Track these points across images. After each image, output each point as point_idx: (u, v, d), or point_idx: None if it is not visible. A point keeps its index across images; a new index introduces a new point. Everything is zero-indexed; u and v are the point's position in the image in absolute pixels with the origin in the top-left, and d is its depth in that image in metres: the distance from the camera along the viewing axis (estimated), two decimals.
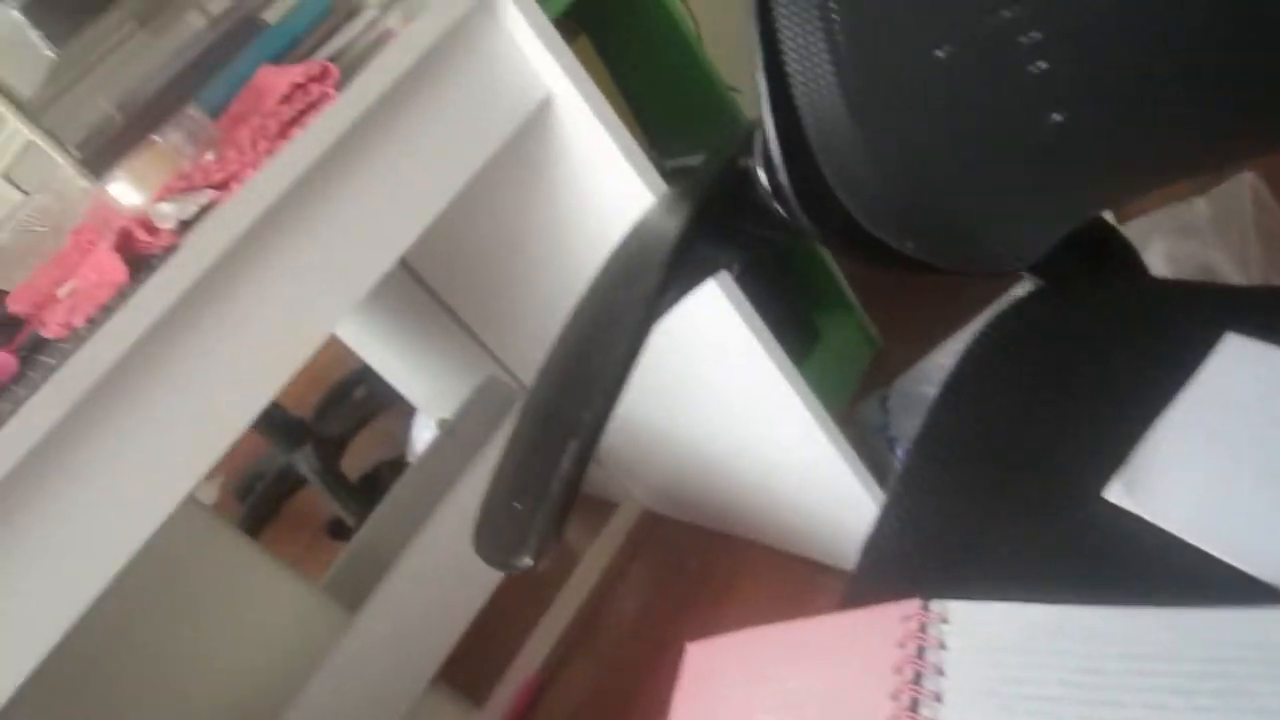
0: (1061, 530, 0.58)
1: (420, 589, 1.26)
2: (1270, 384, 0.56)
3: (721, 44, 1.40)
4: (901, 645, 0.50)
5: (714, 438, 1.30)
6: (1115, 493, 0.56)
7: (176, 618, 1.20)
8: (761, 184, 0.66)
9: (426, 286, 1.50)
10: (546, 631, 1.50)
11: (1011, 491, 0.62)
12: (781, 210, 0.66)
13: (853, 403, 1.50)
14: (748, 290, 1.03)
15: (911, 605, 0.52)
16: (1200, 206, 1.27)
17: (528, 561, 0.48)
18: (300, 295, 0.73)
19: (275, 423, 2.26)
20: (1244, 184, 1.27)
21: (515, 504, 0.51)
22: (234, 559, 1.29)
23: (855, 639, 0.53)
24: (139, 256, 0.68)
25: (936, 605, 0.51)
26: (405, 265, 1.47)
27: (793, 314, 1.52)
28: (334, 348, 2.15)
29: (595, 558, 1.56)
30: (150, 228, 0.69)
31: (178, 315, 0.67)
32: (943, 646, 0.49)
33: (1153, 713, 0.42)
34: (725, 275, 1.02)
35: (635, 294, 0.57)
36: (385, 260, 0.77)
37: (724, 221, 0.66)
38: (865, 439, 1.31)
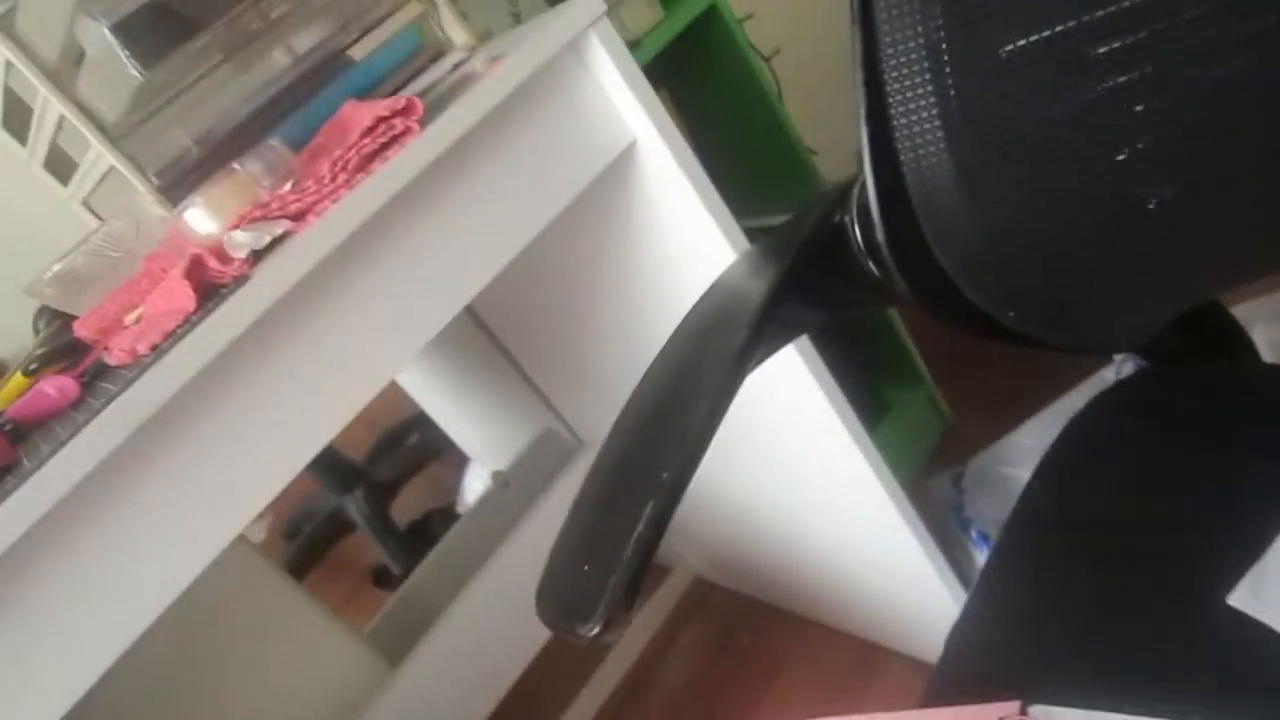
0: (1175, 635, 0.52)
1: (465, 645, 1.22)
2: None
3: (802, 105, 1.38)
4: None
5: (776, 507, 1.25)
6: (1241, 598, 0.51)
7: (214, 658, 1.17)
8: (856, 241, 0.63)
9: (489, 332, 1.49)
10: (591, 697, 1.45)
11: (1117, 588, 0.57)
12: (876, 270, 0.63)
13: (921, 479, 1.44)
14: (821, 353, 0.99)
15: (1010, 708, 0.47)
16: None
17: (595, 631, 0.44)
18: (368, 334, 0.71)
19: (327, 465, 2.26)
20: None
21: (585, 566, 0.47)
22: (277, 601, 1.26)
23: None
24: (210, 285, 0.66)
25: (1038, 710, 0.47)
26: (470, 309, 1.45)
27: (862, 382, 1.47)
28: (390, 392, 2.14)
29: (645, 623, 1.51)
30: (223, 256, 0.67)
31: (243, 347, 0.65)
32: None
33: None
34: (805, 341, 0.98)
35: (720, 351, 0.53)
36: (456, 303, 0.74)
37: (814, 279, 0.62)
38: (936, 518, 1.25)
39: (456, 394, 1.91)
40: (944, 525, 1.24)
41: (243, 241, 0.66)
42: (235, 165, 0.70)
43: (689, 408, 0.51)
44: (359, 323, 0.70)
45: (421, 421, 2.21)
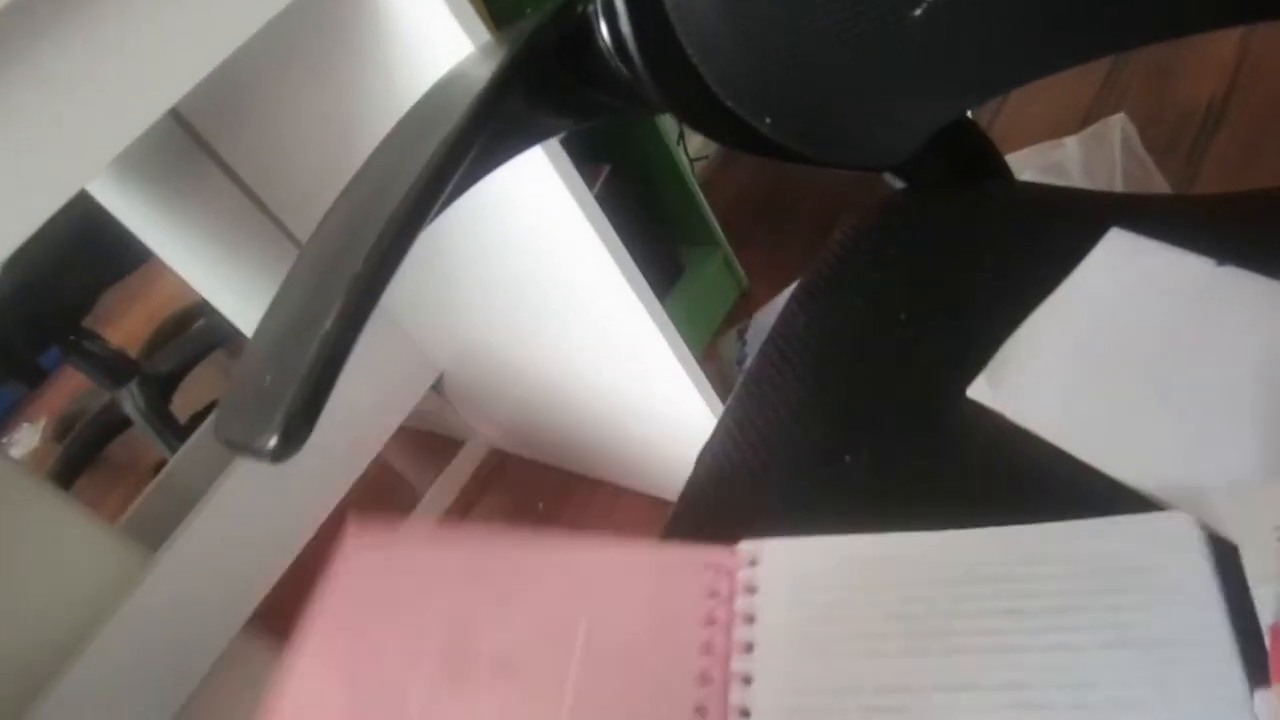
0: (920, 439, 0.51)
1: (230, 527, 1.13)
2: (1154, 280, 0.51)
3: None
4: (710, 595, 0.44)
5: (566, 371, 1.21)
6: (978, 390, 0.50)
7: None
8: (602, 36, 0.57)
9: (257, 200, 1.36)
10: None
11: (864, 398, 0.56)
12: (624, 69, 0.57)
13: (713, 342, 1.44)
14: (610, 213, 0.94)
15: (718, 551, 0.45)
16: (1070, 147, 1.25)
17: (272, 443, 0.38)
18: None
19: (96, 358, 2.07)
20: (1114, 126, 1.25)
21: (267, 376, 0.41)
22: (15, 496, 1.13)
23: (663, 585, 0.46)
24: None
25: (746, 546, 0.45)
26: (239, 181, 1.31)
27: (657, 245, 1.44)
28: (169, 281, 1.97)
29: (438, 497, 1.46)
30: None
31: None
32: (751, 591, 0.43)
33: (983, 638, 0.38)
34: (588, 196, 0.92)
35: (428, 144, 0.47)
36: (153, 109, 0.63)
37: (553, 75, 0.56)
38: (725, 377, 1.25)
39: (239, 279, 1.76)
40: (731, 381, 1.24)
41: None
42: None
43: (388, 205, 0.44)
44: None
45: (204, 310, 2.05)
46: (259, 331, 0.44)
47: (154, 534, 1.15)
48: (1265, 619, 0.31)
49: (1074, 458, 0.45)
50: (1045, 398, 0.48)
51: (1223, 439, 0.42)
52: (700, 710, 0.39)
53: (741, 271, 1.55)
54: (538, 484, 1.41)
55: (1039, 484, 0.45)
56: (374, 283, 0.42)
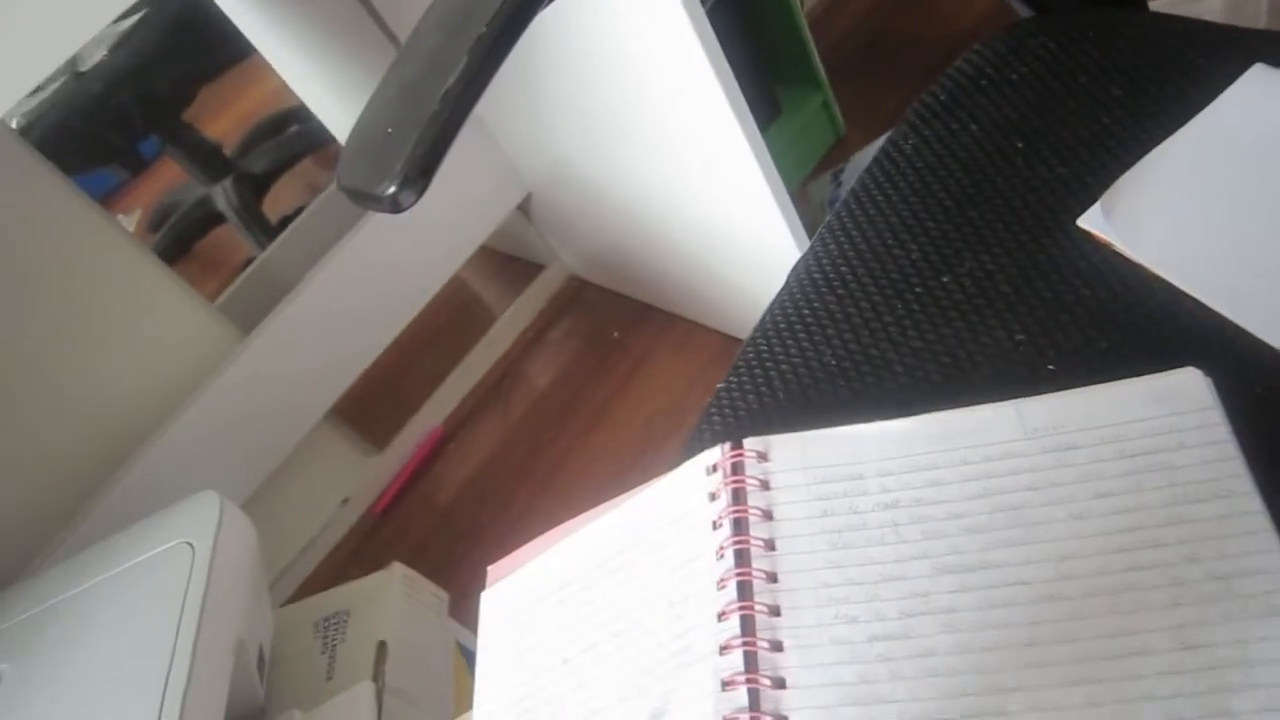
0: (1023, 263, 0.50)
1: (318, 318, 1.18)
2: None
3: None
4: (713, 497, 0.43)
5: (654, 200, 1.20)
6: (1091, 219, 0.49)
7: (56, 316, 1.10)
8: None
9: (376, 15, 1.34)
10: (456, 385, 1.45)
11: (969, 222, 0.55)
12: None
13: (804, 186, 1.41)
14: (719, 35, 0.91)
15: (718, 452, 0.44)
16: None
17: (391, 189, 0.40)
18: None
19: (193, 150, 2.11)
20: None
21: (388, 127, 0.42)
22: (122, 263, 1.18)
23: (670, 503, 0.45)
24: None
25: (753, 443, 0.44)
26: None
27: (758, 81, 1.40)
28: (268, 83, 1.98)
29: (514, 318, 1.49)
30: None
31: None
32: (766, 487, 0.42)
33: (1001, 516, 0.38)
34: (700, 10, 0.89)
35: None
36: None
37: None
38: (813, 219, 1.23)
39: (339, 87, 1.76)
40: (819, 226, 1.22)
41: None
42: None
43: None
44: None
45: (300, 115, 2.06)
46: (382, 87, 0.44)
47: (246, 318, 1.20)
48: None
49: (1183, 293, 0.44)
50: (1161, 231, 0.46)
51: None
52: (722, 615, 0.39)
53: (840, 116, 1.50)
54: (614, 313, 1.43)
55: (1142, 317, 0.44)
56: (498, 45, 0.42)
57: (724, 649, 0.38)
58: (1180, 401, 0.38)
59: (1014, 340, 0.46)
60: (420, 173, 0.39)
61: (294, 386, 1.19)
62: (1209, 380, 0.39)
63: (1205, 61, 0.54)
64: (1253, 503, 0.35)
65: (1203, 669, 0.32)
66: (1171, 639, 0.33)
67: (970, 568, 0.37)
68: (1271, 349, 0.40)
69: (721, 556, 0.41)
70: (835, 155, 1.48)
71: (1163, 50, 0.58)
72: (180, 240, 2.31)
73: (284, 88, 1.78)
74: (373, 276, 1.22)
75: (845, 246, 0.57)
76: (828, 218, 0.61)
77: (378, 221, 1.20)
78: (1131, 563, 0.35)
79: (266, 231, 2.06)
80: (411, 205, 0.40)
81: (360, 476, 1.38)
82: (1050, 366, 0.43)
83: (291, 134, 2.23)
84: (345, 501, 1.37)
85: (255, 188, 2.11)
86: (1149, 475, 0.37)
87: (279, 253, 1.43)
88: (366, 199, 0.41)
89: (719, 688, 0.37)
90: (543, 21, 0.46)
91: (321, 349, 1.20)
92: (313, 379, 1.21)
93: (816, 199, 1.23)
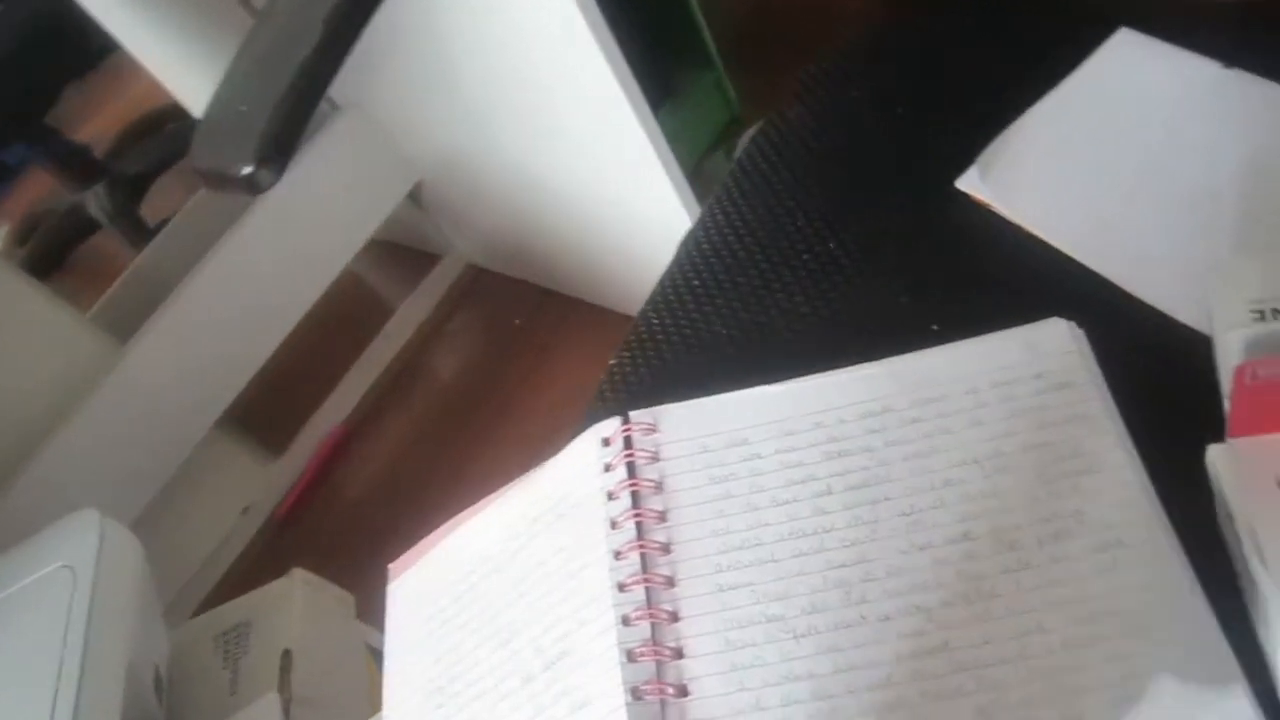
0: (907, 226, 0.51)
1: (199, 323, 1.13)
2: (1158, 81, 0.50)
3: None
4: (608, 468, 0.43)
5: (548, 186, 1.19)
6: (969, 181, 0.49)
7: None
8: None
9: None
10: (355, 383, 1.41)
11: (855, 187, 0.55)
12: None
13: (700, 164, 1.41)
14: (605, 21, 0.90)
15: (610, 425, 0.44)
16: None
17: (248, 170, 0.37)
18: None
19: (61, 155, 2.00)
20: None
21: (242, 105, 0.40)
22: None
23: (565, 479, 0.45)
24: None
25: (640, 415, 0.44)
26: None
27: (650, 61, 1.39)
28: (138, 82, 1.89)
29: (411, 311, 1.46)
30: None
31: None
32: (657, 459, 0.42)
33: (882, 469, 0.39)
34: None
35: None
36: None
37: None
38: (709, 196, 1.23)
39: (213, 78, 1.69)
40: None
41: None
42: None
43: None
44: None
45: (176, 112, 1.97)
46: (235, 62, 0.42)
47: (123, 327, 1.15)
48: (1228, 365, 0.31)
49: (1058, 251, 0.44)
50: (1033, 190, 0.47)
51: (1208, 236, 0.42)
52: (621, 587, 0.38)
53: (734, 94, 1.50)
54: (514, 300, 1.41)
55: (1020, 274, 0.45)
56: (353, 14, 0.40)
57: (626, 621, 0.37)
58: (1049, 350, 0.39)
59: (899, 302, 0.47)
60: (277, 150, 0.37)
61: (179, 395, 1.14)
62: (1077, 329, 0.40)
63: (1078, 28, 0.55)
64: (1121, 449, 0.36)
65: (1066, 603, 0.33)
66: (1041, 575, 0.34)
67: (854, 524, 0.37)
68: (1140, 301, 0.41)
69: (616, 529, 0.40)
70: (731, 133, 1.48)
71: (1037, 15, 0.59)
72: (51, 251, 2.20)
73: (156, 84, 1.70)
74: (257, 275, 1.18)
75: (733, 216, 0.57)
76: (717, 187, 0.60)
77: (260, 217, 1.16)
78: (1004, 505, 0.36)
79: (145, 236, 1.96)
80: (271, 185, 0.38)
81: (260, 483, 1.33)
82: (934, 326, 0.44)
83: (168, 133, 2.14)
84: (246, 510, 1.32)
85: (131, 191, 2.02)
86: (1019, 420, 0.38)
87: (154, 257, 1.36)
88: (223, 181, 0.39)
89: (624, 659, 0.36)
90: None
91: (206, 355, 1.15)
92: (199, 386, 1.16)
93: (712, 177, 1.23)
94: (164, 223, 2.00)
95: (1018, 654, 0.32)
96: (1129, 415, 0.36)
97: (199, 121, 0.41)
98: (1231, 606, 0.32)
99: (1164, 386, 0.37)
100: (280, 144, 0.37)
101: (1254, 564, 0.28)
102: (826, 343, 0.46)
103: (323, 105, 1.33)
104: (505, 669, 0.40)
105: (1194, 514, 0.34)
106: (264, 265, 1.18)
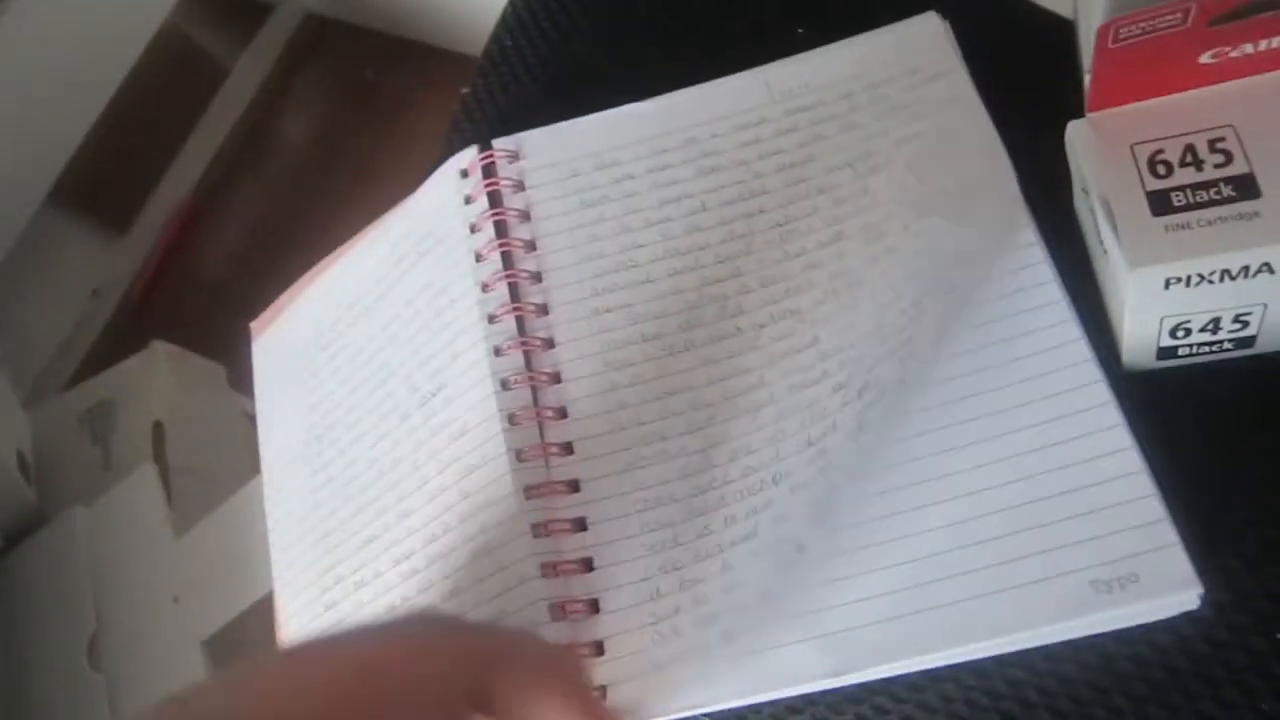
0: None
1: (6, 80, 1.00)
2: None
3: None
4: (469, 200, 0.40)
5: None
6: None
7: None
8: None
9: None
10: (197, 152, 1.30)
11: None
12: None
13: None
14: None
15: (467, 155, 0.41)
16: None
17: None
18: None
19: None
20: None
21: None
22: None
23: (425, 214, 0.42)
24: None
25: (502, 143, 0.41)
26: None
27: None
28: None
29: (249, 69, 1.33)
30: None
31: None
32: (521, 188, 0.40)
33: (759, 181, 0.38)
34: None
35: None
36: None
37: None
38: None
39: None
40: None
41: None
42: None
43: None
44: None
45: None
46: None
47: None
48: (1090, 36, 0.30)
49: None
50: None
51: None
52: (492, 319, 0.37)
53: None
54: (364, 52, 1.30)
55: None
56: None
57: (498, 352, 0.37)
58: (922, 46, 0.38)
59: (765, 5, 0.44)
60: None
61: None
62: (946, 23, 0.39)
63: None
64: (991, 141, 0.36)
65: (924, 273, 0.34)
66: (904, 256, 0.34)
67: (728, 239, 0.37)
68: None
69: (482, 261, 0.39)
70: None
71: None
72: None
73: None
74: (58, 39, 1.04)
75: None
76: None
77: None
78: (874, 200, 0.36)
79: None
80: None
81: (106, 264, 1.25)
82: (799, 30, 0.42)
83: None
84: (95, 292, 1.24)
85: None
86: (892, 119, 0.37)
87: None
88: None
89: (499, 388, 0.36)
90: None
91: (13, 132, 1.04)
92: (12, 161, 1.05)
93: None
94: None
95: (875, 330, 0.33)
96: (994, 106, 0.36)
97: None
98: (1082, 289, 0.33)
99: (1027, 75, 0.37)
100: None
101: (1106, 233, 0.29)
102: (693, 56, 0.43)
103: None
104: (382, 410, 0.40)
105: (1053, 199, 0.35)
106: (63, 28, 1.05)
